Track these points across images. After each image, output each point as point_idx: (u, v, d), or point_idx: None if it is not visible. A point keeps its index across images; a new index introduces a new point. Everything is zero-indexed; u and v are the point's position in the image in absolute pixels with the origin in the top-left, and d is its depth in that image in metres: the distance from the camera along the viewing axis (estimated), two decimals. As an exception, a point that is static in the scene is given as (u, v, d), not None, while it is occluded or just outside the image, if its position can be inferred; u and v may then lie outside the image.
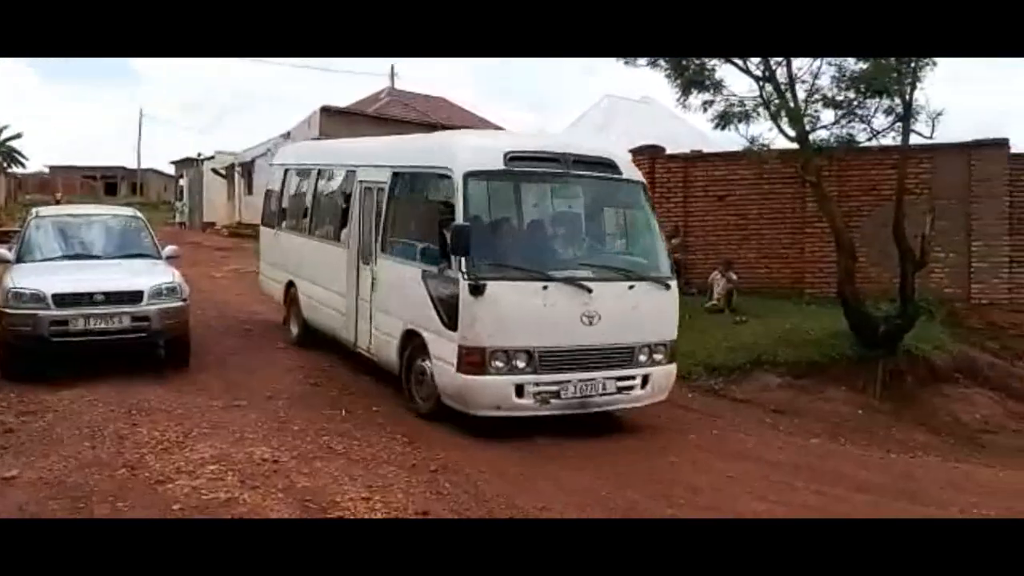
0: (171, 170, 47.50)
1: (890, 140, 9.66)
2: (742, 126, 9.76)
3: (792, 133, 9.49)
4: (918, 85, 8.90)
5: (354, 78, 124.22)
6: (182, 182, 38.73)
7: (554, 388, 6.93)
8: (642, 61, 9.68)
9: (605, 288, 7.08)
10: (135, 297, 8.46)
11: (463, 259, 6.70)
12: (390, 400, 8.06)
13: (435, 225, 7.16)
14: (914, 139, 9.40)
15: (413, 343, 7.57)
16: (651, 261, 7.64)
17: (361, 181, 8.85)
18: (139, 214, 10.76)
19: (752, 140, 9.78)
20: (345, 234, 9.07)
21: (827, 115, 9.57)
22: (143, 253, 9.64)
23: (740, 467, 6.88)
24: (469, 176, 6.99)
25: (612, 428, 7.62)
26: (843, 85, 9.12)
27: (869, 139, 9.66)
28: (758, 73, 9.41)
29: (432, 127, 19.91)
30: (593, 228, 8.10)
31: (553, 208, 8.17)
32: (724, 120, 9.85)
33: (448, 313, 6.93)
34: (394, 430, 7.16)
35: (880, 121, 9.41)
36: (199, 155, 35.59)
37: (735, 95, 9.72)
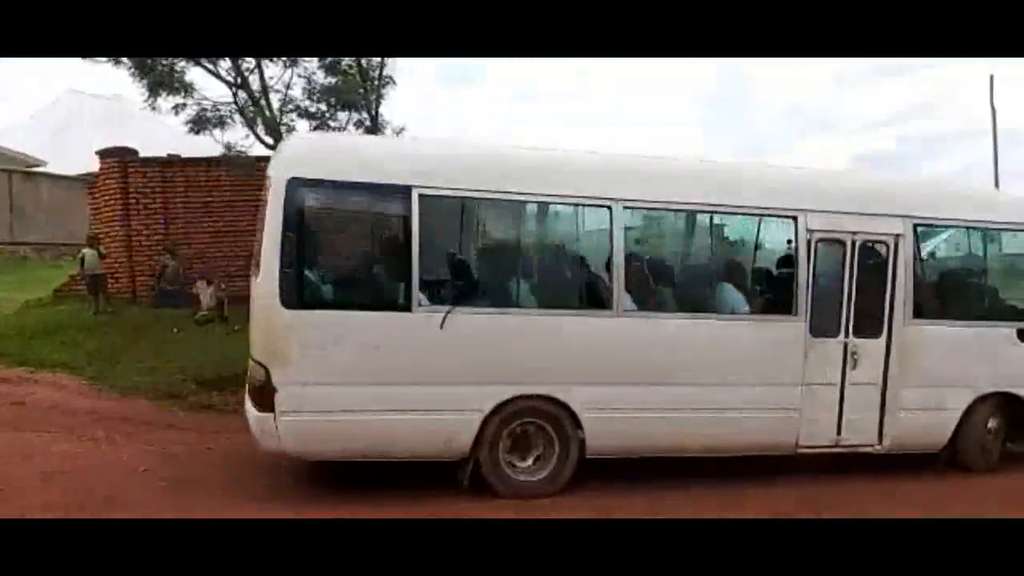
0: None
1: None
2: (218, 131, 9.54)
3: (270, 141, 9.55)
4: (383, 101, 9.66)
5: None
6: None
7: None
8: (103, 58, 8.85)
9: None
10: None
11: None
12: None
13: None
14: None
15: None
16: None
17: (826, 232, 6.81)
18: None
19: (229, 147, 9.62)
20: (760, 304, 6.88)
21: (303, 125, 9.84)
22: None
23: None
24: None
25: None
26: (315, 97, 9.47)
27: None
28: (230, 79, 9.27)
29: None
30: None
31: None
32: (199, 125, 9.52)
33: None
34: None
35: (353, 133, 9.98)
36: None
37: (209, 99, 9.45)
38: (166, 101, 9.27)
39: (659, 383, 6.43)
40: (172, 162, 13.47)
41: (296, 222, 5.68)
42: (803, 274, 6.69)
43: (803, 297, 6.69)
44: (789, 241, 6.83)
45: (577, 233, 6.80)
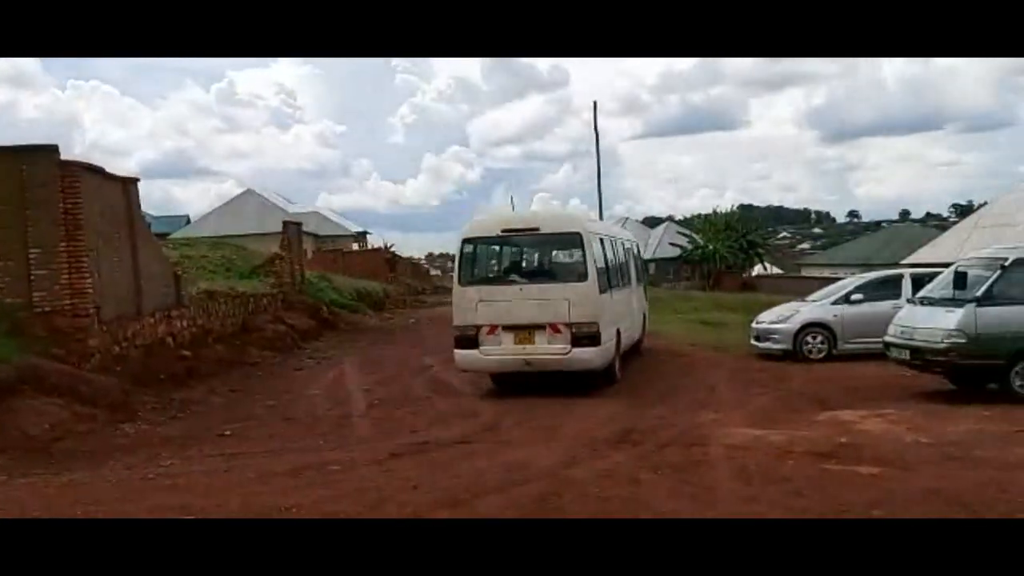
0: None
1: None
2: None
3: None
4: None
5: None
6: None
7: None
8: None
9: None
10: None
11: None
12: None
13: None
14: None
15: None
16: None
17: (629, 247, 17.40)
18: None
19: None
20: None
21: None
22: None
23: None
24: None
25: None
26: None
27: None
28: None
29: None
30: None
31: None
32: None
33: None
34: None
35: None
36: None
37: None
38: None
39: (631, 315, 14.97)
40: None
41: (591, 251, 11.97)
42: (632, 265, 16.01)
43: (635, 275, 16.16)
44: (628, 251, 15.93)
45: (623, 252, 15.45)
